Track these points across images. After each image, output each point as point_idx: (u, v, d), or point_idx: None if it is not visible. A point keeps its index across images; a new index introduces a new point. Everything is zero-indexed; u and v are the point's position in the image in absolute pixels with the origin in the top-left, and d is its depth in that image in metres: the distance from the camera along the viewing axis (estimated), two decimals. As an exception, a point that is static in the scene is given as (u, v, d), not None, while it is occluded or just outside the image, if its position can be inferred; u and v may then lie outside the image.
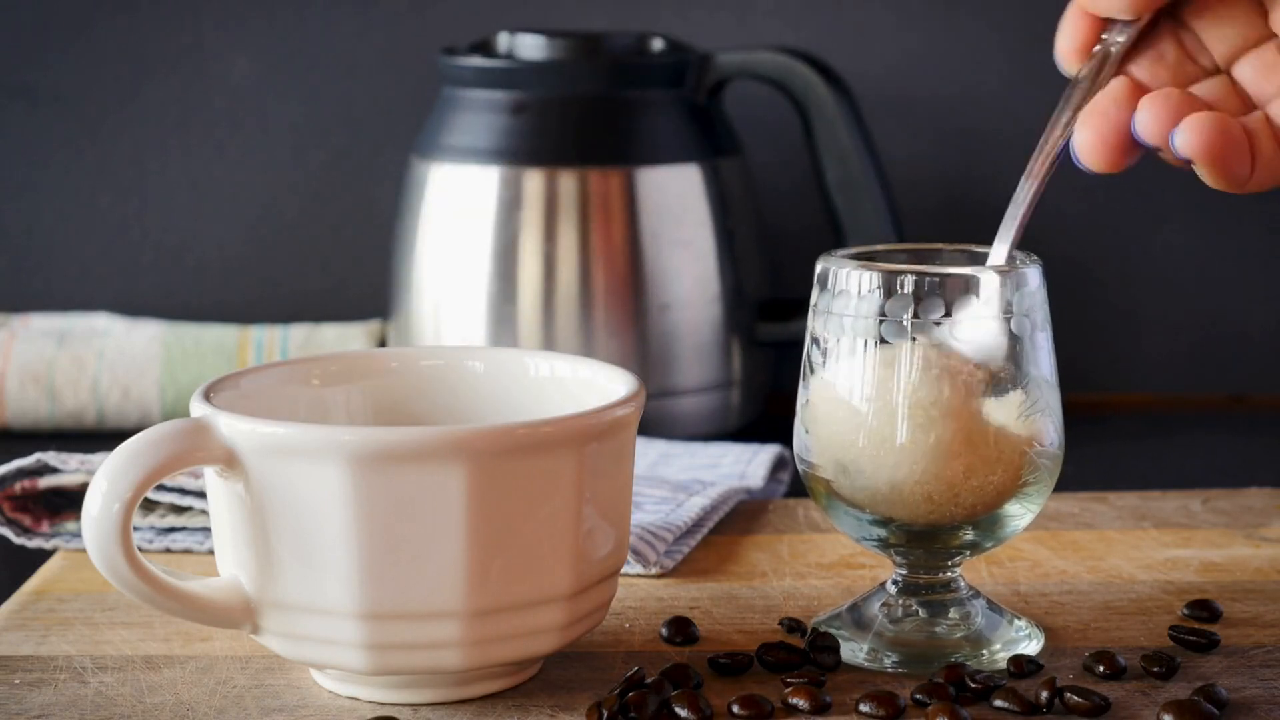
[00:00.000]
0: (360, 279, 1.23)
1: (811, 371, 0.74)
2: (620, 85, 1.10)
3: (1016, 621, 0.76)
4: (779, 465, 1.00)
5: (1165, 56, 0.68)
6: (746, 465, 0.98)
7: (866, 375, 0.72)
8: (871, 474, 0.72)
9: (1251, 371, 1.23)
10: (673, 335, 1.09)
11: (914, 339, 0.71)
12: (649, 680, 0.69)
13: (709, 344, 1.10)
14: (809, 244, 1.07)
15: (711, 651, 0.74)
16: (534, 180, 1.08)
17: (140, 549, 0.69)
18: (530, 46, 1.11)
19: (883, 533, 0.74)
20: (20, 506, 0.88)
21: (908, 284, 0.72)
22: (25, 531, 0.87)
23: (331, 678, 0.71)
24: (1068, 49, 0.69)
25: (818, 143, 1.11)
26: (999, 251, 0.72)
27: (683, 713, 0.67)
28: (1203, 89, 0.68)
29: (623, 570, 0.79)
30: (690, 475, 0.96)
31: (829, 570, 0.84)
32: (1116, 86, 0.68)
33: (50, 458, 0.87)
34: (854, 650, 0.74)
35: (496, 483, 0.66)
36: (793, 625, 0.76)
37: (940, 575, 0.75)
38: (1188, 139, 0.65)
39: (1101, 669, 0.72)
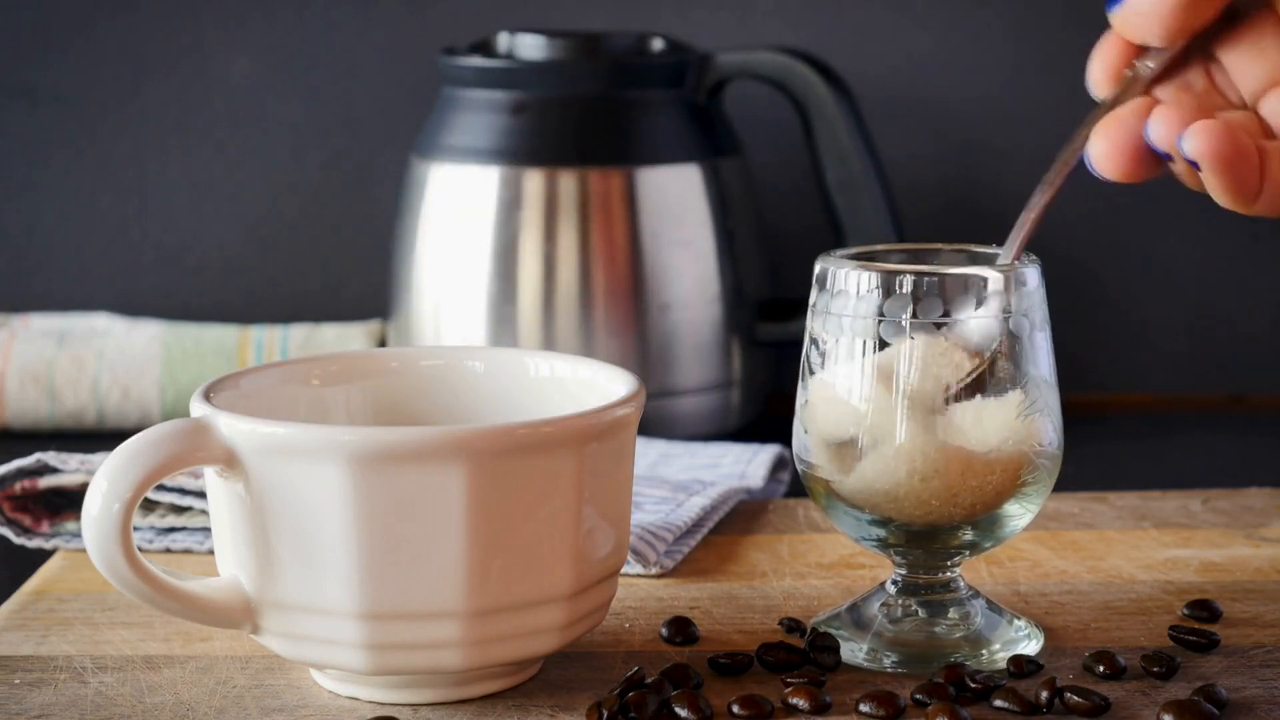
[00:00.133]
0: (360, 279, 1.23)
1: (811, 371, 0.74)
2: (620, 85, 1.10)
3: (1016, 621, 0.76)
4: (779, 465, 1.00)
5: (1193, 86, 0.69)
6: (746, 465, 0.98)
7: (865, 375, 0.72)
8: (870, 475, 0.72)
9: (1251, 371, 1.23)
10: (673, 335, 1.09)
11: (912, 338, 0.71)
12: (649, 680, 0.69)
13: (709, 344, 1.10)
14: (809, 244, 1.07)
15: (711, 651, 0.74)
16: (534, 180, 1.08)
17: (140, 549, 0.69)
18: (530, 46, 1.11)
19: (882, 533, 0.74)
20: (20, 506, 0.88)
21: (906, 284, 0.72)
22: (25, 531, 0.87)
23: (331, 678, 0.71)
24: (1100, 74, 0.70)
25: (818, 143, 1.11)
26: (1006, 256, 0.72)
27: (683, 713, 0.67)
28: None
29: (623, 570, 0.79)
30: (690, 475, 0.96)
31: (829, 570, 0.84)
32: (1137, 102, 0.68)
33: (50, 458, 0.87)
34: (854, 650, 0.74)
35: (496, 483, 0.66)
36: (792, 625, 0.76)
37: (940, 575, 0.75)
38: (1195, 142, 0.65)
39: (1101, 669, 0.72)
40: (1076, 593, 0.81)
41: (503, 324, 1.08)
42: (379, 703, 0.70)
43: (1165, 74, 0.69)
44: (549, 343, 1.08)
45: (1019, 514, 0.73)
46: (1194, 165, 0.66)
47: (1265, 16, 0.68)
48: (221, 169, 1.24)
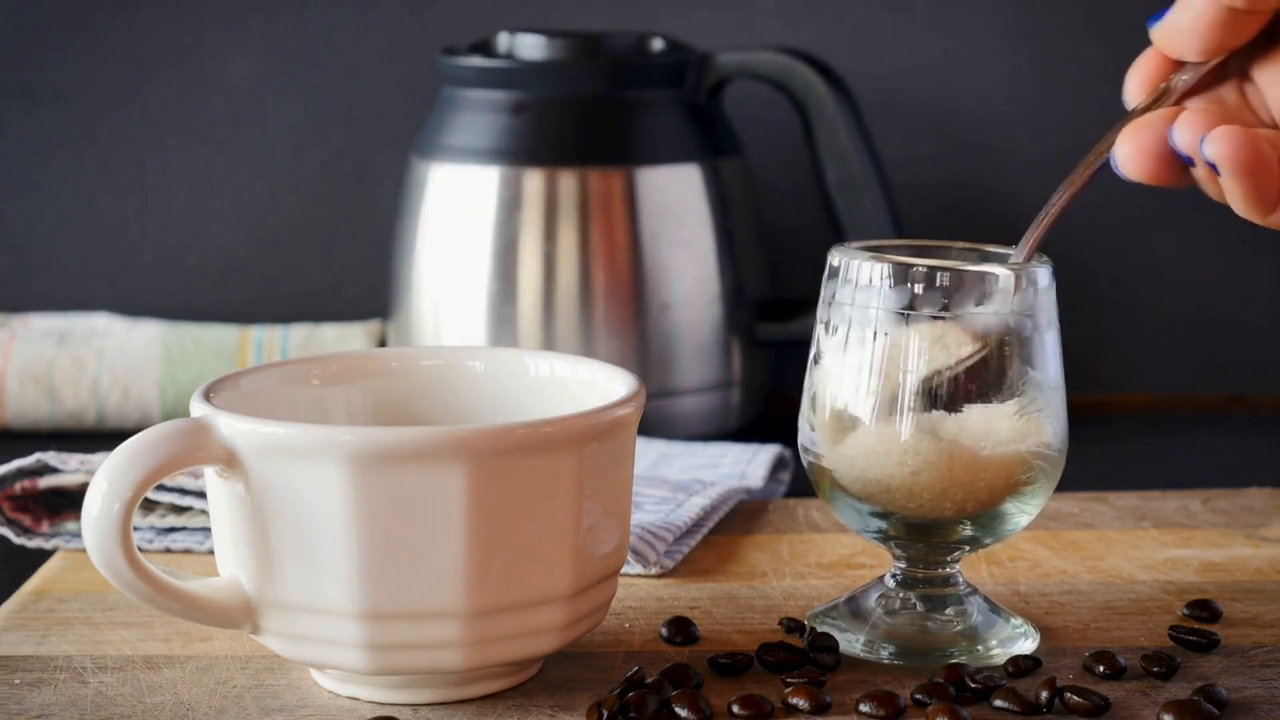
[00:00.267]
0: (360, 279, 1.24)
1: (817, 363, 0.75)
2: (620, 85, 1.10)
3: (1013, 619, 0.76)
4: (779, 465, 1.00)
5: (1225, 101, 0.70)
6: (746, 465, 0.98)
7: (873, 367, 0.72)
8: (861, 459, 0.72)
9: (1251, 371, 1.23)
10: (673, 335, 1.09)
11: (917, 332, 0.72)
12: (649, 680, 0.69)
13: (709, 344, 1.10)
14: (809, 244, 1.07)
15: (711, 651, 0.74)
16: (534, 180, 1.08)
17: (140, 549, 0.69)
18: (530, 46, 1.11)
19: (883, 525, 0.74)
20: (20, 506, 0.88)
21: (919, 278, 0.72)
22: (25, 531, 0.87)
23: (331, 678, 0.71)
24: (1136, 85, 0.71)
25: (818, 143, 1.11)
26: (1020, 253, 0.73)
27: (683, 713, 0.67)
28: None
29: (623, 570, 0.79)
30: (690, 475, 0.96)
31: (829, 570, 0.84)
32: (1166, 110, 0.69)
33: (50, 458, 0.87)
34: (850, 641, 0.74)
35: (496, 483, 0.66)
36: (791, 625, 0.76)
37: (939, 570, 0.75)
38: (1216, 147, 0.66)
39: (1101, 669, 0.72)
40: (1076, 593, 0.81)
41: (503, 324, 1.08)
42: (379, 703, 0.70)
43: (1199, 88, 0.70)
44: (549, 343, 1.08)
45: (1018, 513, 0.74)
46: (1214, 170, 0.67)
47: None
48: (221, 169, 1.24)
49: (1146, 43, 0.71)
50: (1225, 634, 0.76)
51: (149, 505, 0.88)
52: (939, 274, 0.72)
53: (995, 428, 0.72)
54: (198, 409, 0.69)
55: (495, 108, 1.10)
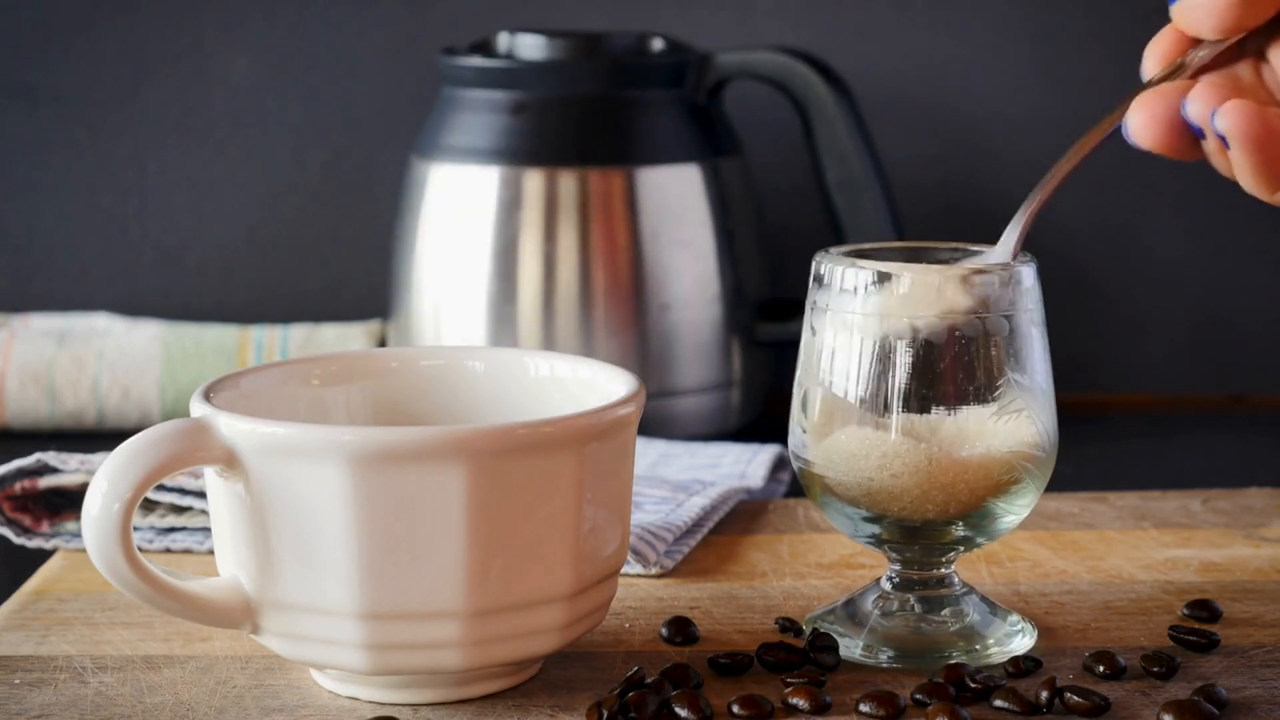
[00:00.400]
0: (360, 279, 1.23)
1: (806, 368, 0.75)
2: (620, 85, 1.10)
3: (1010, 617, 0.76)
4: (779, 465, 1.00)
5: (1240, 79, 0.71)
6: (746, 465, 0.98)
7: (859, 372, 0.72)
8: (850, 469, 0.72)
9: (1251, 371, 1.23)
10: (673, 335, 1.09)
11: (919, 277, 0.72)
12: (649, 680, 0.69)
13: (709, 344, 1.10)
14: (809, 244, 1.07)
15: (711, 651, 0.74)
16: (534, 180, 1.08)
17: (140, 549, 0.69)
18: (530, 46, 1.11)
19: (876, 529, 0.74)
20: (20, 506, 0.88)
21: (904, 281, 0.72)
22: (25, 531, 0.87)
23: (331, 678, 0.71)
24: (1152, 60, 0.72)
25: (818, 143, 1.11)
26: (1011, 235, 0.73)
27: (683, 713, 0.67)
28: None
29: (623, 570, 0.79)
30: (690, 475, 0.96)
31: (829, 570, 0.84)
32: (1181, 82, 0.71)
33: (50, 458, 0.87)
34: (849, 645, 0.74)
35: (496, 483, 0.66)
36: (787, 625, 0.76)
37: (934, 571, 0.75)
38: (1227, 119, 0.67)
39: (1101, 669, 0.72)
40: (1076, 593, 0.81)
41: (503, 324, 1.08)
42: (379, 703, 0.70)
43: (1214, 65, 0.71)
44: (549, 343, 1.08)
45: (1006, 513, 0.74)
46: (1224, 143, 0.68)
47: None
48: (221, 169, 1.24)
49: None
50: (1225, 634, 0.76)
51: (149, 505, 0.88)
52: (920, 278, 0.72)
53: (973, 430, 0.72)
54: (198, 409, 0.69)
55: (495, 108, 1.10)
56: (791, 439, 0.76)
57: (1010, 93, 1.21)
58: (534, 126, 1.09)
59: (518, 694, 0.71)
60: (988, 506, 0.73)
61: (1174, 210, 1.22)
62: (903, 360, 0.72)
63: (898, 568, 0.76)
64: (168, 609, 0.68)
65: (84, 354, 1.14)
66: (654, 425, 1.08)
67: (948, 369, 0.72)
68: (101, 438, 1.13)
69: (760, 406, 1.15)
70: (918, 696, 0.69)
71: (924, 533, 0.74)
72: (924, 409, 0.72)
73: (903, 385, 0.72)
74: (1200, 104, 0.68)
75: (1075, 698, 0.68)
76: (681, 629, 0.76)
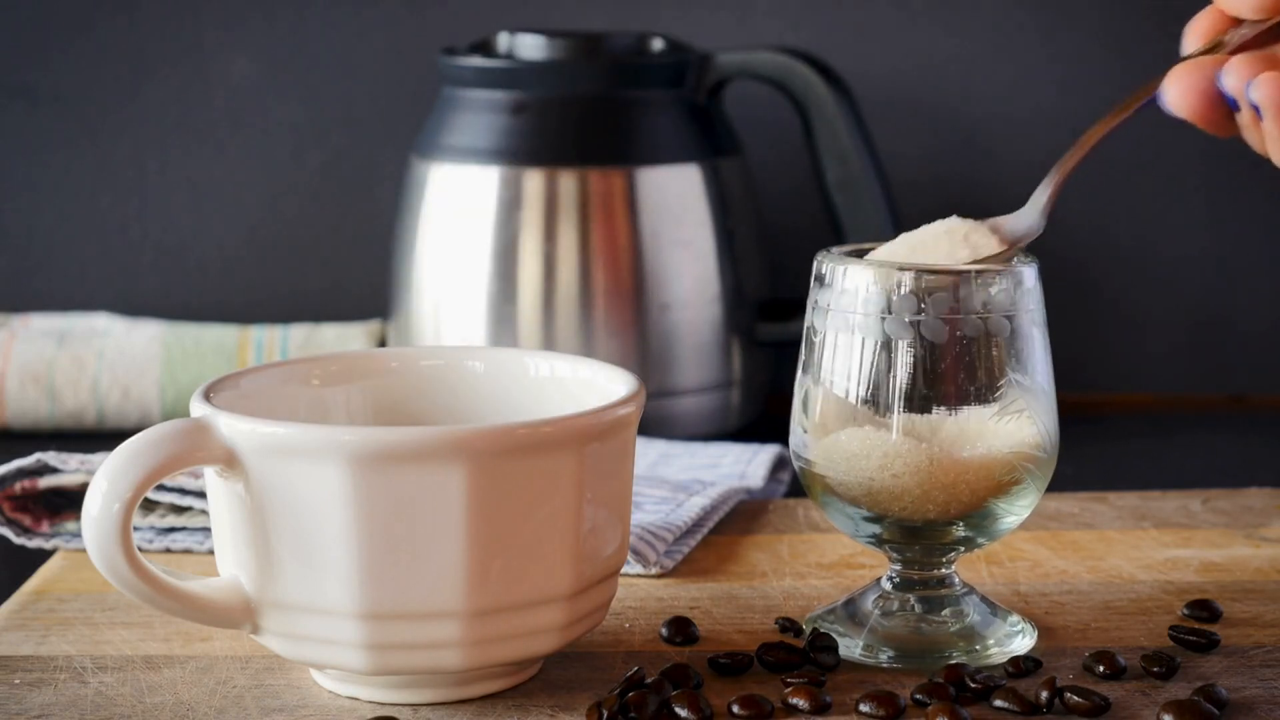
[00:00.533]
0: (360, 279, 1.23)
1: (805, 369, 0.75)
2: (620, 85, 1.10)
3: (1010, 617, 0.76)
4: (779, 465, 1.00)
5: (1278, 58, 0.71)
6: (746, 465, 0.98)
7: (861, 372, 0.72)
8: (851, 469, 0.72)
9: (1251, 371, 1.23)
10: (673, 335, 1.09)
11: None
12: (649, 680, 0.69)
13: (709, 344, 1.10)
14: (809, 244, 1.07)
15: (711, 651, 0.74)
16: (534, 180, 1.08)
17: (140, 549, 0.69)
18: (530, 46, 1.11)
19: (876, 529, 0.74)
20: (20, 506, 0.88)
21: (906, 281, 0.72)
22: (25, 531, 0.87)
23: (331, 678, 0.71)
24: (1192, 37, 0.73)
25: (818, 143, 1.11)
26: (1041, 195, 0.74)
27: (683, 713, 0.67)
28: None
29: (623, 570, 0.79)
30: (690, 475, 0.96)
31: (829, 570, 0.84)
32: (1218, 56, 0.72)
33: (50, 458, 0.87)
34: (849, 645, 0.74)
35: (496, 483, 0.66)
36: (787, 625, 0.76)
37: (935, 571, 0.75)
38: (1262, 90, 0.68)
39: (1101, 669, 0.72)
40: (1076, 593, 0.81)
41: (503, 324, 1.08)
42: (379, 703, 0.70)
43: (1253, 44, 0.72)
44: (549, 343, 1.08)
45: (1007, 513, 0.74)
46: (1258, 114, 0.69)
47: None
48: (221, 169, 1.24)
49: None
50: (1225, 634, 0.76)
51: (149, 505, 0.88)
52: (924, 277, 0.72)
53: (975, 430, 0.72)
54: (198, 409, 0.69)
55: (495, 108, 1.10)
56: (792, 439, 0.76)
57: (1010, 92, 1.21)
58: (534, 126, 1.09)
59: (518, 694, 0.71)
60: (989, 507, 0.73)
61: (1174, 210, 1.22)
62: (904, 360, 0.72)
63: (898, 568, 0.76)
64: (168, 609, 0.68)
65: (84, 354, 1.14)
66: (654, 425, 1.08)
67: (949, 369, 0.72)
68: (101, 438, 1.13)
69: (760, 406, 1.15)
70: (918, 696, 0.69)
71: (925, 533, 0.74)
72: (925, 409, 0.72)
73: (904, 385, 0.72)
74: (1236, 76, 0.69)
75: (1075, 698, 0.68)
76: (681, 629, 0.76)
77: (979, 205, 1.23)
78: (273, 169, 1.24)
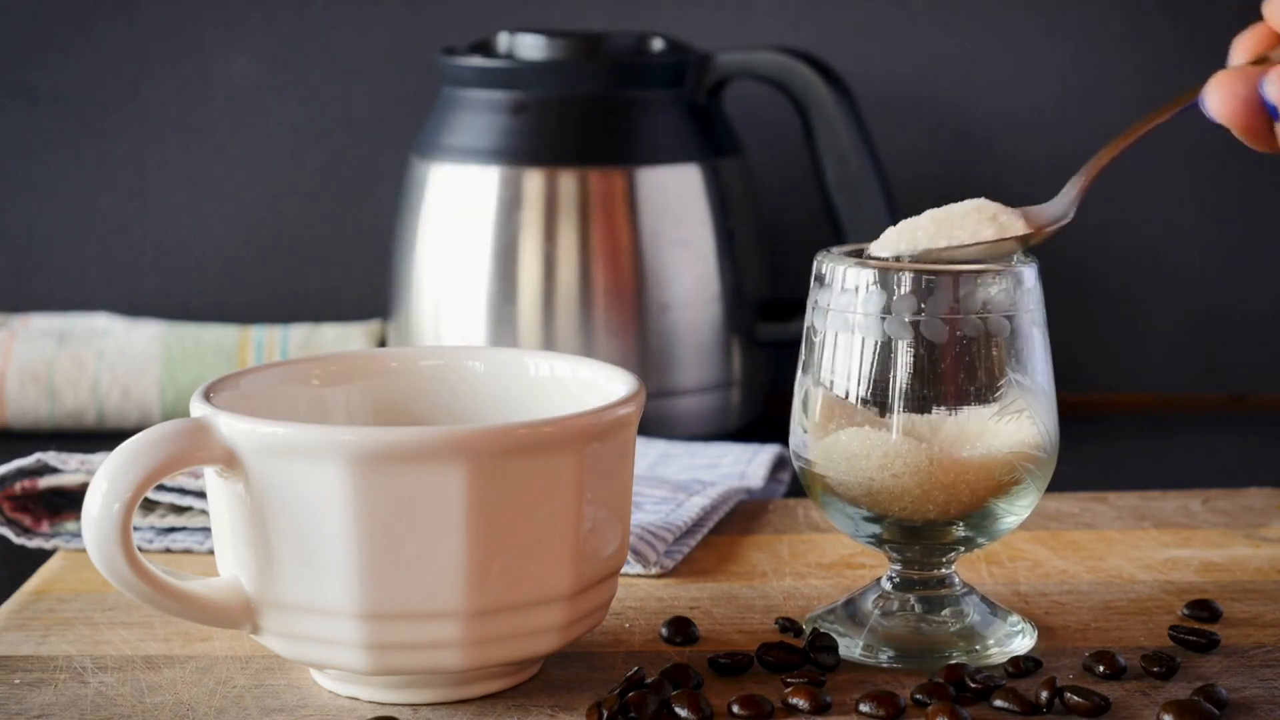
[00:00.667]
0: (360, 279, 1.23)
1: (805, 369, 0.75)
2: (620, 85, 1.10)
3: (1010, 617, 0.76)
4: (779, 465, 1.00)
5: None
6: (746, 465, 0.98)
7: (861, 372, 0.72)
8: (851, 469, 0.72)
9: (1251, 371, 1.23)
10: (673, 335, 1.09)
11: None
12: (649, 680, 0.69)
13: (709, 344, 1.10)
14: (809, 244, 1.07)
15: (711, 651, 0.74)
16: (534, 180, 1.08)
17: (140, 549, 0.69)
18: (530, 46, 1.11)
19: (876, 529, 0.74)
20: (20, 506, 0.88)
21: (905, 281, 0.72)
22: (25, 531, 0.87)
23: (331, 678, 0.71)
24: (1239, 52, 0.74)
25: (818, 142, 1.11)
26: (1071, 189, 0.74)
27: (683, 713, 0.67)
28: None
29: (623, 570, 0.79)
30: (690, 475, 0.96)
31: (829, 570, 0.84)
32: (1263, 66, 0.72)
33: (50, 458, 0.87)
34: (849, 645, 0.74)
35: (496, 483, 0.66)
36: (787, 625, 0.76)
37: (935, 571, 0.75)
38: None
39: (1101, 669, 0.72)
40: (1076, 593, 0.81)
41: (503, 324, 1.08)
42: (379, 703, 0.70)
43: None
44: (549, 343, 1.08)
45: (1007, 513, 0.74)
46: None
47: None
48: (221, 169, 1.24)
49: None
50: (1225, 634, 0.76)
51: (149, 505, 0.88)
52: (924, 277, 0.72)
53: (975, 430, 0.72)
54: (198, 409, 0.69)
55: (495, 108, 1.10)
56: (792, 439, 0.76)
57: (1010, 92, 1.21)
58: (534, 126, 1.09)
59: (518, 694, 0.71)
60: (989, 507, 0.73)
61: (1174, 211, 1.22)
62: (904, 360, 0.72)
63: (898, 568, 0.76)
64: (168, 609, 0.68)
65: (84, 354, 1.14)
66: (654, 425, 1.08)
67: (949, 369, 0.72)
68: (101, 438, 1.13)
69: (760, 406, 1.15)
70: (918, 696, 0.69)
71: (925, 533, 0.74)
72: (925, 409, 0.72)
73: (904, 385, 0.72)
74: (1278, 85, 0.70)
75: (1075, 698, 0.68)
76: (681, 629, 0.76)
77: (979, 205, 1.23)
78: (273, 169, 1.24)
